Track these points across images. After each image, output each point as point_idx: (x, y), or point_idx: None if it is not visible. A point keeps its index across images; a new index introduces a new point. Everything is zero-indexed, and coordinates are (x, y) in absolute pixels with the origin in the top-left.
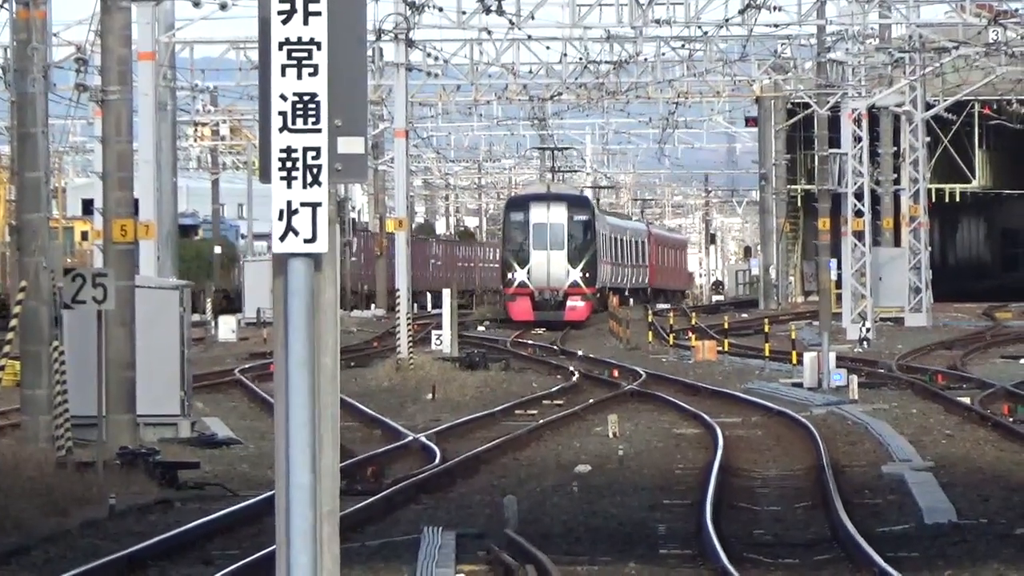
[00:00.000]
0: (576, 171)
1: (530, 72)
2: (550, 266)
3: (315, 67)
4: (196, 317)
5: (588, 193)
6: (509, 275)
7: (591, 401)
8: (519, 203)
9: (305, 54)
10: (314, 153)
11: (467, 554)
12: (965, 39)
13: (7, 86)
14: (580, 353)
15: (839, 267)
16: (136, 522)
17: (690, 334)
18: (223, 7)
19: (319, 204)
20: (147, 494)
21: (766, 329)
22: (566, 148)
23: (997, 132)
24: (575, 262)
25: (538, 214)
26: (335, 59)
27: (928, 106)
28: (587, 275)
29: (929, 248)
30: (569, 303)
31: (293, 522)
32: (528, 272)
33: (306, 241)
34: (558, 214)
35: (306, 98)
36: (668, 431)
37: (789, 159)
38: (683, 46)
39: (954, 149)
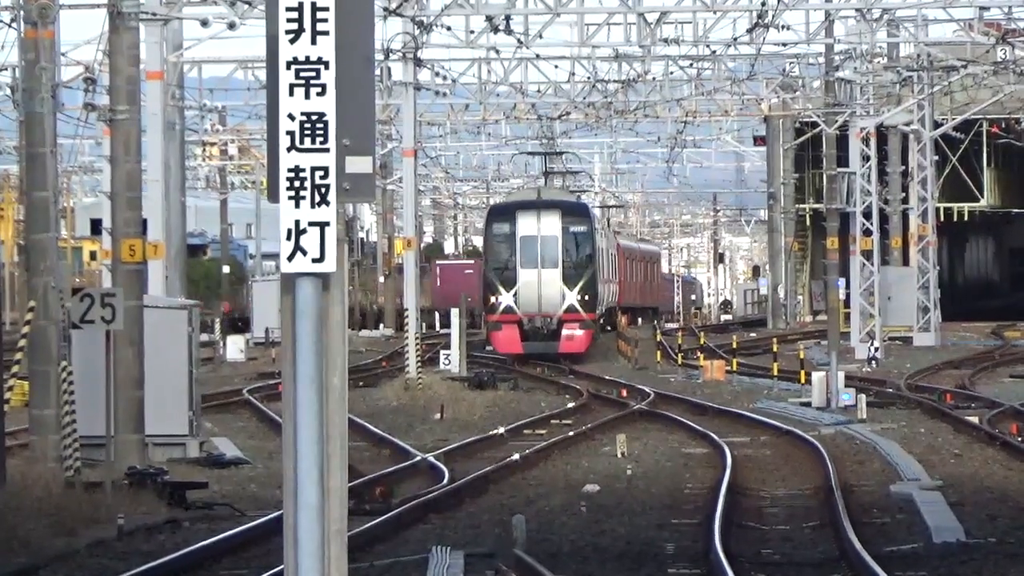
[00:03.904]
0: (577, 172)
1: (538, 91)
2: (542, 288)
3: (323, 86)
4: (204, 337)
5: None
6: (493, 299)
7: (587, 426)
8: (504, 212)
9: (313, 73)
10: (322, 173)
11: (476, 574)
12: (973, 58)
13: (16, 106)
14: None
15: (847, 286)
16: (144, 542)
17: (698, 354)
18: (231, 27)
19: (327, 224)
20: (155, 514)
21: (774, 348)
22: (563, 152)
23: (1005, 151)
24: (572, 283)
25: (527, 225)
26: (343, 78)
27: (936, 125)
28: (586, 298)
29: (937, 267)
30: (565, 332)
31: (301, 542)
32: (515, 295)
33: (314, 261)
34: (551, 224)
35: (314, 118)
36: (677, 450)
37: (797, 178)
38: (691, 65)
39: (962, 168)
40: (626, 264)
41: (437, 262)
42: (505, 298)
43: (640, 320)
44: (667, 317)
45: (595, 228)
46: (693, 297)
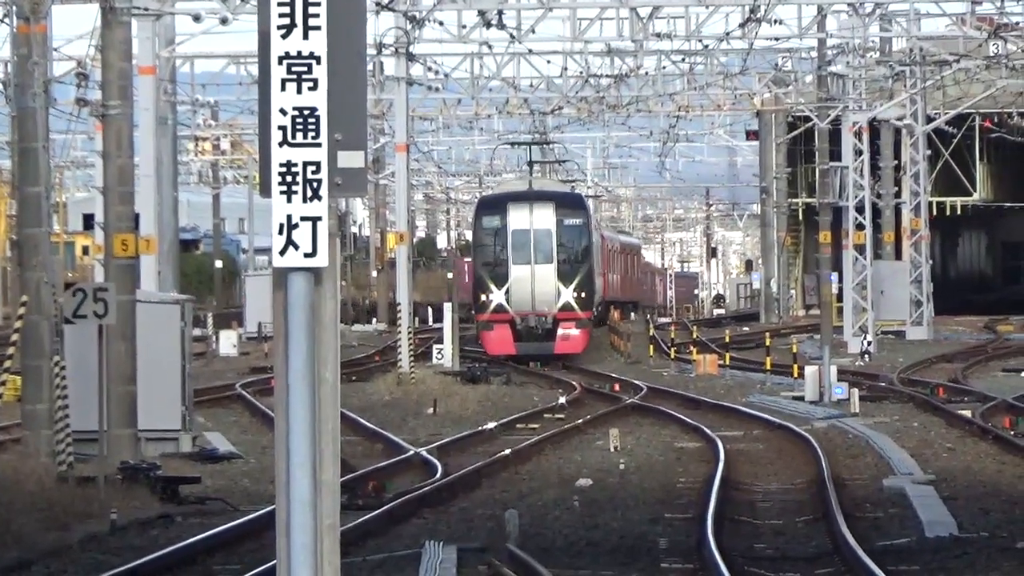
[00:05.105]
0: (565, 161)
1: (531, 86)
2: (535, 285)
3: (315, 81)
4: (197, 331)
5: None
6: (483, 297)
7: (580, 421)
8: (494, 204)
9: (305, 68)
10: (314, 167)
11: (468, 568)
12: (966, 52)
13: (8, 101)
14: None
15: (840, 280)
16: (137, 537)
17: (691, 348)
18: (223, 22)
19: (319, 218)
20: (148, 509)
21: (767, 343)
22: (550, 143)
23: (998, 145)
24: (567, 279)
25: (518, 218)
26: (335, 73)
27: (929, 119)
28: (582, 295)
29: (930, 261)
30: (560, 332)
31: (294, 536)
32: (507, 293)
33: (306, 255)
34: (544, 217)
35: (306, 112)
36: (669, 444)
37: (790, 172)
38: (684, 59)
39: (955, 162)
40: (608, 257)
41: (465, 259)
42: (496, 296)
43: (633, 315)
44: (658, 312)
45: (591, 221)
46: (696, 292)
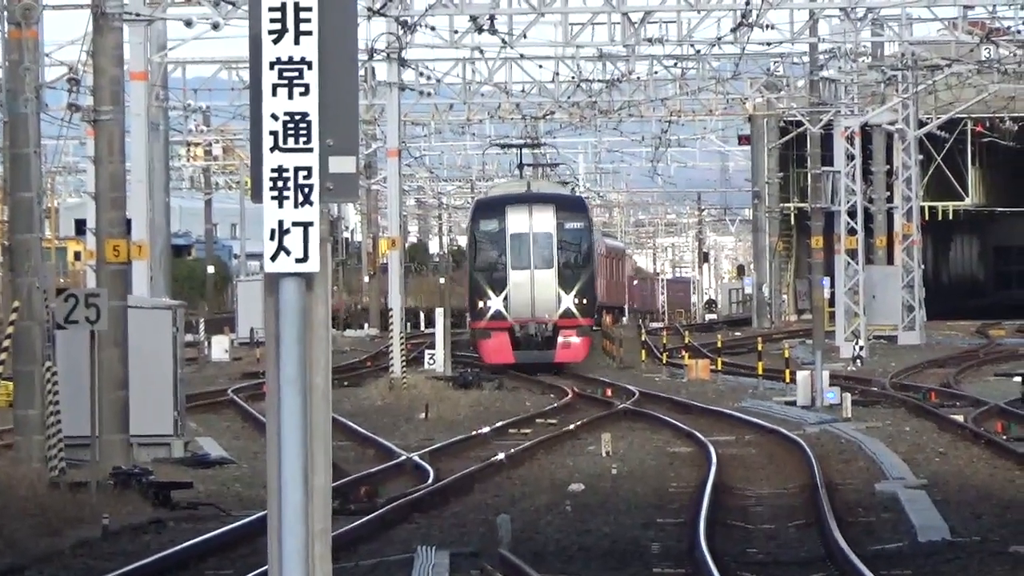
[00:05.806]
0: (557, 165)
1: (522, 91)
2: (535, 291)
3: (306, 86)
4: (189, 337)
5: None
6: (480, 304)
7: (573, 426)
8: (491, 207)
9: (296, 73)
10: (305, 173)
11: (461, 573)
12: (958, 57)
13: None
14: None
15: (832, 285)
16: (129, 542)
17: (683, 353)
18: (215, 27)
19: (311, 224)
20: (140, 514)
21: (759, 347)
22: (540, 144)
23: (990, 150)
24: (568, 285)
25: (517, 221)
26: (326, 78)
27: (921, 124)
28: (583, 301)
29: (922, 266)
30: (561, 339)
31: (285, 541)
32: (505, 299)
33: (298, 261)
34: (544, 221)
35: (297, 118)
36: (661, 449)
37: (782, 177)
38: (676, 64)
39: (947, 167)
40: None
41: None
42: (494, 303)
43: (625, 319)
44: (650, 316)
45: (592, 224)
46: (692, 296)
